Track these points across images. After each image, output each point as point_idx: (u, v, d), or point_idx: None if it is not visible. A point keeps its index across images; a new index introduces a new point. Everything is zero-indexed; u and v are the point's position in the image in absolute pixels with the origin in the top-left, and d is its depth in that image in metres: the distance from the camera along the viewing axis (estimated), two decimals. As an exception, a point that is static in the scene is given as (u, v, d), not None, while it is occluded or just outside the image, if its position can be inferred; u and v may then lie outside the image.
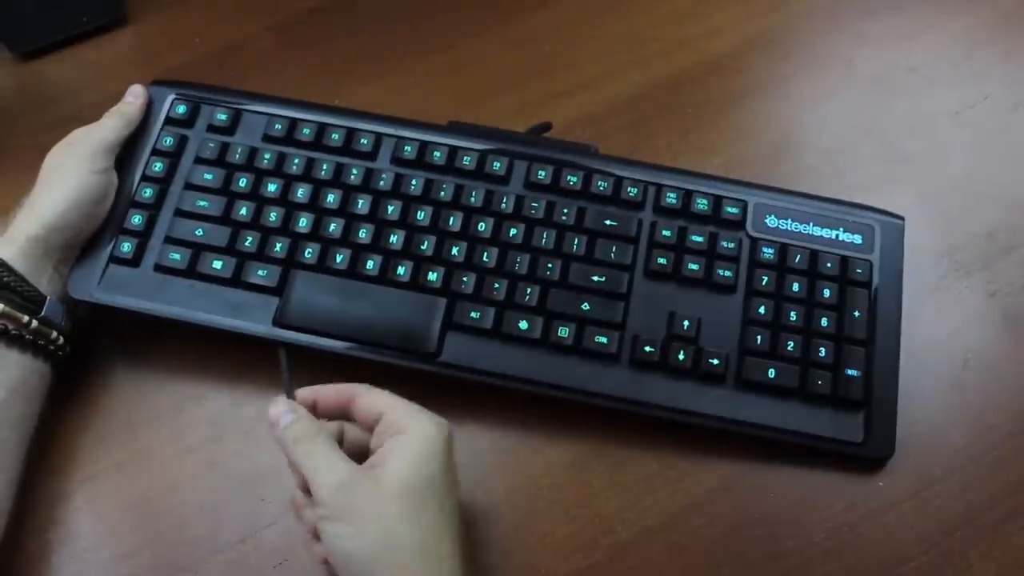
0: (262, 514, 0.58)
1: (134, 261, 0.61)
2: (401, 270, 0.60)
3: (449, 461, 0.49)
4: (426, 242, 0.61)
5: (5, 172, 0.72)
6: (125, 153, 0.65)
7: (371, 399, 0.51)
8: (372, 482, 0.46)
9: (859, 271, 0.60)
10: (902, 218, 0.63)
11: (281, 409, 0.50)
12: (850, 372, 0.58)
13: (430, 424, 0.49)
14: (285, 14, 0.80)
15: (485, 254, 0.61)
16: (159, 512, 0.58)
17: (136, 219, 0.62)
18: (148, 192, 0.63)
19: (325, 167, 0.64)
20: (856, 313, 0.59)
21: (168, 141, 0.65)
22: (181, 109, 0.67)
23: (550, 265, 0.60)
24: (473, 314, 0.59)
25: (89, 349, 0.63)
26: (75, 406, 0.61)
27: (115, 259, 0.61)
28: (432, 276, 0.60)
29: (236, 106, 0.67)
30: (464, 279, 0.60)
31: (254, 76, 0.76)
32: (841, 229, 0.62)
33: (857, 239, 0.62)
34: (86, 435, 0.60)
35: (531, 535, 0.57)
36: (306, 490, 0.49)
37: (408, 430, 0.49)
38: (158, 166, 0.64)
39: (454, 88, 0.75)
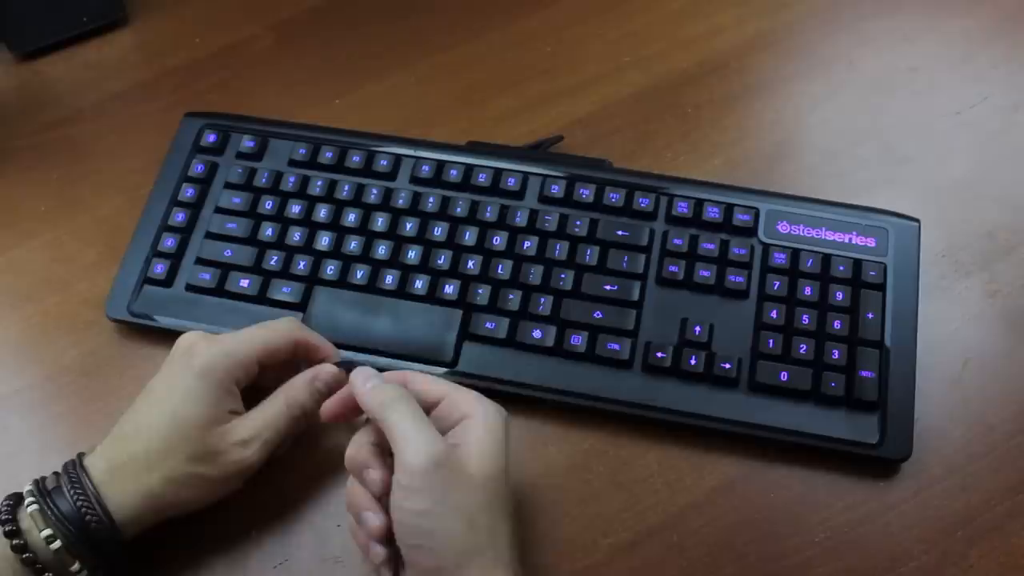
0: (263, 514, 0.58)
1: (167, 281, 0.64)
2: (419, 284, 0.61)
3: (507, 449, 0.49)
4: (443, 256, 0.62)
5: (5, 172, 0.71)
6: (159, 179, 0.67)
7: (427, 383, 0.52)
8: (464, 464, 0.47)
9: (872, 273, 0.61)
10: (917, 220, 0.63)
11: (365, 372, 0.51)
12: (864, 374, 0.58)
13: (494, 410, 0.50)
14: (285, 13, 0.80)
15: (500, 266, 0.62)
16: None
17: (169, 242, 0.65)
18: (181, 217, 0.66)
19: (346, 188, 0.65)
20: (870, 315, 0.59)
21: (199, 168, 0.67)
22: (212, 138, 0.68)
23: (563, 275, 0.61)
24: (488, 324, 0.60)
25: (89, 349, 0.64)
26: (75, 406, 0.62)
27: (149, 280, 0.64)
28: (448, 289, 0.61)
29: (263, 133, 0.68)
30: (479, 291, 0.61)
31: (254, 75, 0.77)
32: (855, 233, 0.62)
33: (871, 242, 0.62)
34: (86, 435, 0.60)
35: (531, 535, 0.57)
36: (380, 452, 0.50)
37: (475, 415, 0.49)
38: (190, 192, 0.66)
39: (454, 88, 0.76)
